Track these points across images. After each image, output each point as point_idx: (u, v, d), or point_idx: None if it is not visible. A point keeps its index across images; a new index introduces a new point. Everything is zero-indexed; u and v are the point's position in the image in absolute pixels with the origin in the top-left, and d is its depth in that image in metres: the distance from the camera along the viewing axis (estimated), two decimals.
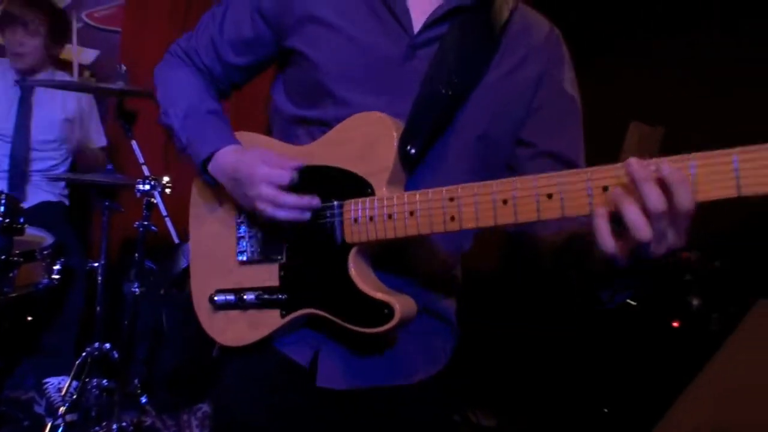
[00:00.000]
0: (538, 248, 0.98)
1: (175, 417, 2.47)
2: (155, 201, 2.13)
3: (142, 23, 3.22)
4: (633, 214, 0.66)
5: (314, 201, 0.92)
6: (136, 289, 2.10)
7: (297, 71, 1.03)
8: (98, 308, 2.27)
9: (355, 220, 0.89)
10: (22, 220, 1.90)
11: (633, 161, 0.66)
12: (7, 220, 1.83)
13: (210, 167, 1.01)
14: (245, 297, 0.98)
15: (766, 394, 1.79)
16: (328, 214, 0.92)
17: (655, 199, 0.64)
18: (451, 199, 0.82)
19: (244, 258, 1.02)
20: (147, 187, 2.04)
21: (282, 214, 0.91)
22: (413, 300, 0.91)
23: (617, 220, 0.69)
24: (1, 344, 2.21)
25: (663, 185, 0.65)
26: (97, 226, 2.35)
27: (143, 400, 2.36)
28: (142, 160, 2.15)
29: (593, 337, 2.82)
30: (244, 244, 1.02)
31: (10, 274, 1.94)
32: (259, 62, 1.11)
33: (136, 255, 2.14)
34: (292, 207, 0.91)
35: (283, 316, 0.97)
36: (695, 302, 2.62)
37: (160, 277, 2.31)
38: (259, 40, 1.07)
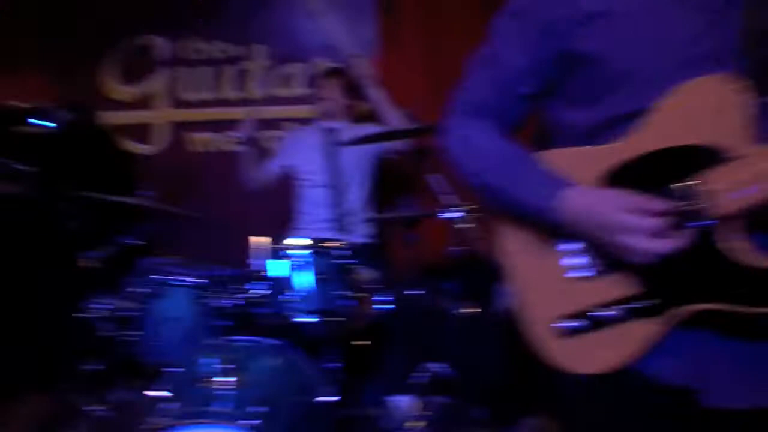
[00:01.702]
0: None
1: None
2: (461, 226, 2.30)
3: (394, 70, 3.51)
4: None
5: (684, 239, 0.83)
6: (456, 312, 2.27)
7: (584, 76, 0.97)
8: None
9: (722, 190, 0.79)
10: (355, 261, 2.26)
11: None
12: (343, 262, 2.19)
13: (557, 216, 0.95)
14: (603, 315, 0.88)
15: None
16: (688, 194, 0.83)
17: None
18: None
19: (584, 274, 0.94)
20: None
21: (656, 260, 0.85)
22: None
23: None
24: (353, 367, 2.62)
25: None
26: (399, 258, 2.65)
27: (476, 415, 2.48)
28: (445, 190, 2.35)
29: None
30: (577, 260, 0.95)
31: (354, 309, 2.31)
32: (547, 85, 1.05)
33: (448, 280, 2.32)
34: (668, 252, 0.84)
35: (660, 323, 0.86)
36: None
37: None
38: (541, 62, 1.02)
